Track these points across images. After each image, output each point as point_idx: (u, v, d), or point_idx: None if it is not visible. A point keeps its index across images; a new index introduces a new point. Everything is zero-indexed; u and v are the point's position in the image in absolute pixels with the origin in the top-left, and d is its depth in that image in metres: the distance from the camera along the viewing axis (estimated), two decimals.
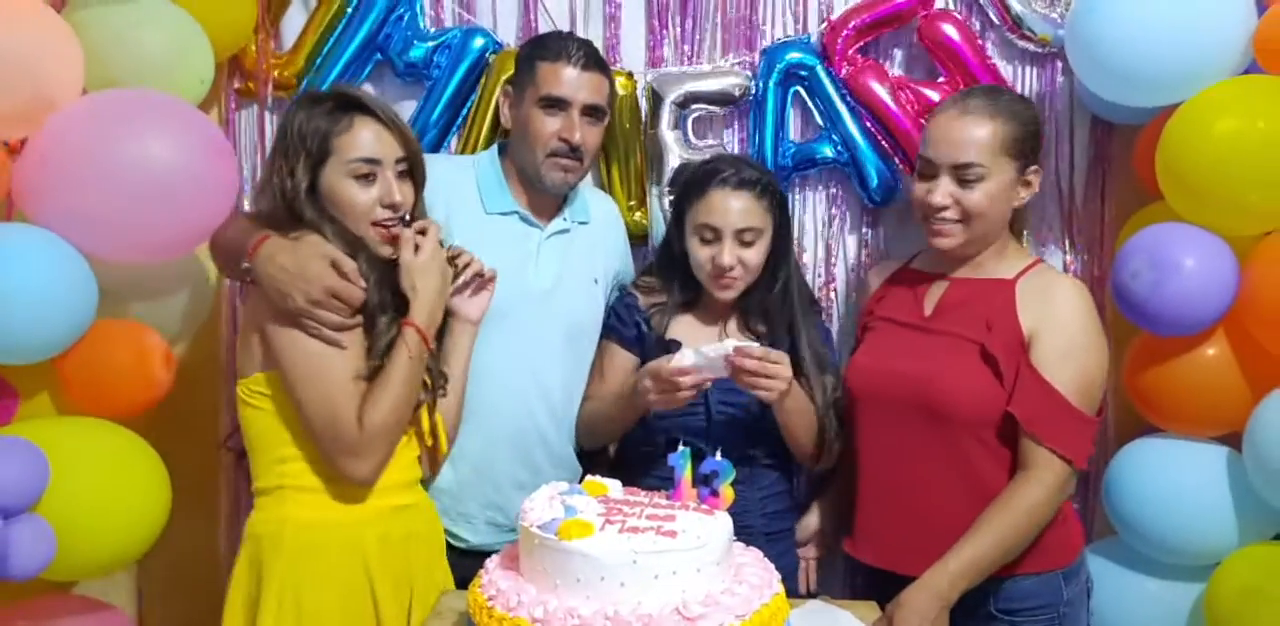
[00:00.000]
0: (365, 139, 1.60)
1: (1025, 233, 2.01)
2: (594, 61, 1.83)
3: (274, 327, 1.54)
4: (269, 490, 1.59)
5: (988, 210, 1.73)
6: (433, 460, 1.72)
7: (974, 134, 1.71)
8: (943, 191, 1.72)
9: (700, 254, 1.82)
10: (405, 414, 1.59)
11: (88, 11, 1.83)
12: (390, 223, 1.62)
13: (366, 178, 1.60)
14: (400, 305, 1.62)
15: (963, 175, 1.71)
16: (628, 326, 1.90)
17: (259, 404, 1.58)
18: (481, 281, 1.73)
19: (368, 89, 2.14)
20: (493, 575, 1.32)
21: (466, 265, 1.70)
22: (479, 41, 2.13)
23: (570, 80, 1.79)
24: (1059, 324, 1.69)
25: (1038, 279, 1.76)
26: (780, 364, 1.69)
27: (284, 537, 1.55)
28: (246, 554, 1.59)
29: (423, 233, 1.64)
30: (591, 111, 1.82)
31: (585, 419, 1.91)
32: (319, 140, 1.58)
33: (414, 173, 1.66)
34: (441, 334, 1.70)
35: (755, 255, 1.81)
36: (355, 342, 1.55)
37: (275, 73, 2.17)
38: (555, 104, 1.79)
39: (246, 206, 2.13)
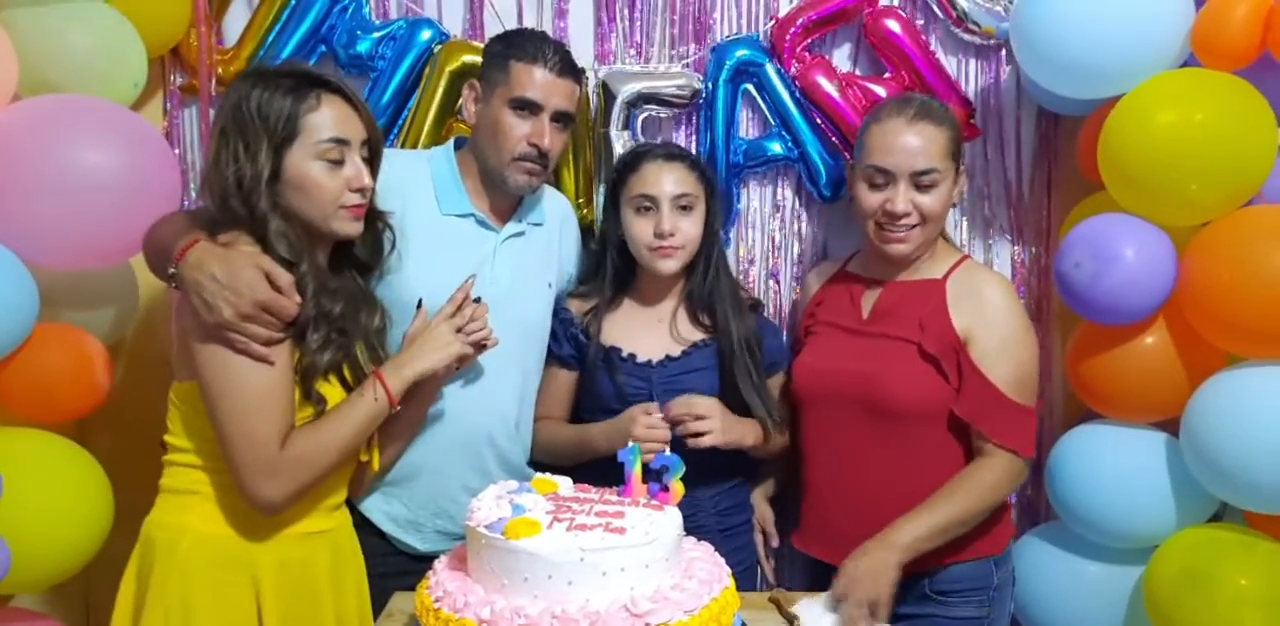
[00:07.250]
0: (335, 118, 1.48)
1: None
2: (568, 67, 1.79)
3: (196, 338, 1.41)
4: (178, 491, 1.50)
5: (942, 212, 1.79)
6: (359, 478, 1.65)
7: (929, 140, 1.74)
8: (904, 199, 1.74)
9: (638, 226, 1.83)
10: (339, 458, 1.48)
11: (16, 12, 1.79)
12: (359, 205, 1.51)
13: (335, 160, 1.47)
14: (341, 319, 1.51)
15: (920, 181, 1.74)
16: (561, 345, 1.89)
17: (182, 410, 1.49)
18: (481, 350, 1.70)
19: None
20: (440, 576, 1.31)
21: (477, 330, 1.66)
22: (426, 33, 2.11)
23: (545, 84, 1.75)
24: (991, 322, 1.74)
25: (965, 276, 1.80)
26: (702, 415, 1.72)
27: (179, 547, 1.45)
28: (138, 556, 1.50)
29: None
30: (561, 117, 1.78)
31: (544, 443, 1.89)
32: (284, 120, 1.44)
33: (374, 159, 1.55)
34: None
35: (691, 225, 1.83)
36: (284, 357, 1.42)
37: (219, 69, 2.13)
38: (527, 107, 1.75)
39: (190, 205, 2.09)
